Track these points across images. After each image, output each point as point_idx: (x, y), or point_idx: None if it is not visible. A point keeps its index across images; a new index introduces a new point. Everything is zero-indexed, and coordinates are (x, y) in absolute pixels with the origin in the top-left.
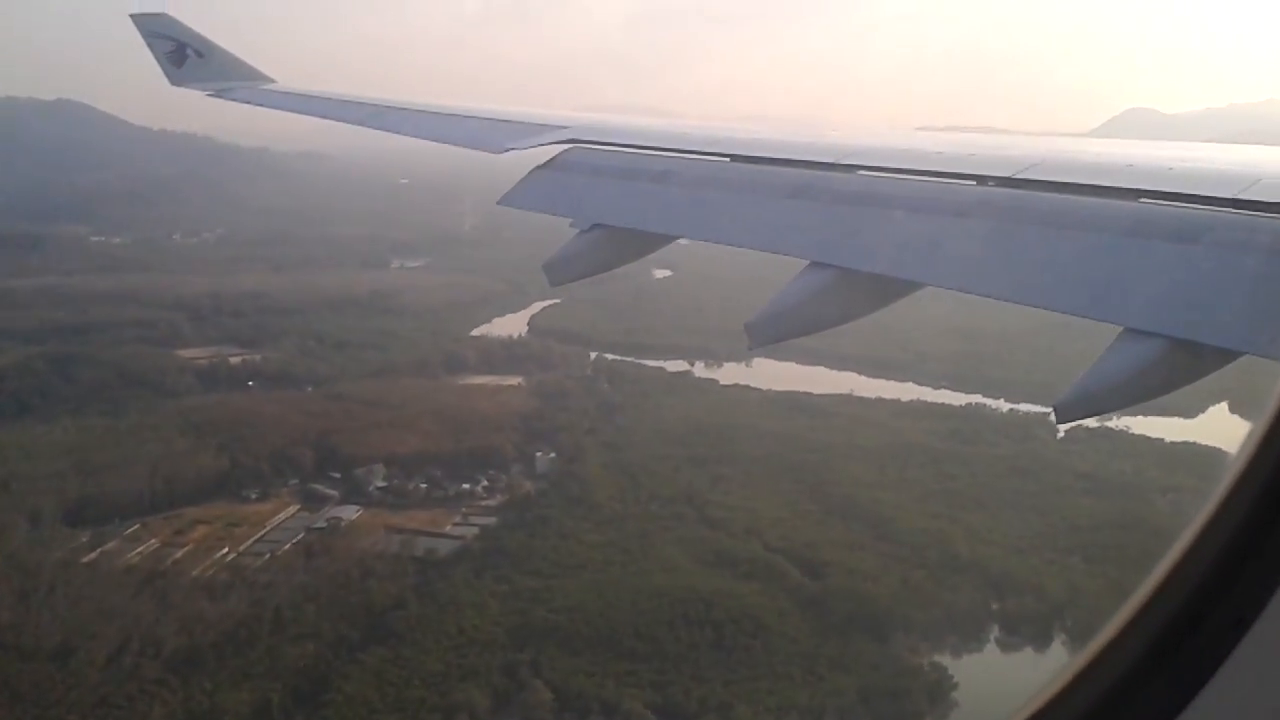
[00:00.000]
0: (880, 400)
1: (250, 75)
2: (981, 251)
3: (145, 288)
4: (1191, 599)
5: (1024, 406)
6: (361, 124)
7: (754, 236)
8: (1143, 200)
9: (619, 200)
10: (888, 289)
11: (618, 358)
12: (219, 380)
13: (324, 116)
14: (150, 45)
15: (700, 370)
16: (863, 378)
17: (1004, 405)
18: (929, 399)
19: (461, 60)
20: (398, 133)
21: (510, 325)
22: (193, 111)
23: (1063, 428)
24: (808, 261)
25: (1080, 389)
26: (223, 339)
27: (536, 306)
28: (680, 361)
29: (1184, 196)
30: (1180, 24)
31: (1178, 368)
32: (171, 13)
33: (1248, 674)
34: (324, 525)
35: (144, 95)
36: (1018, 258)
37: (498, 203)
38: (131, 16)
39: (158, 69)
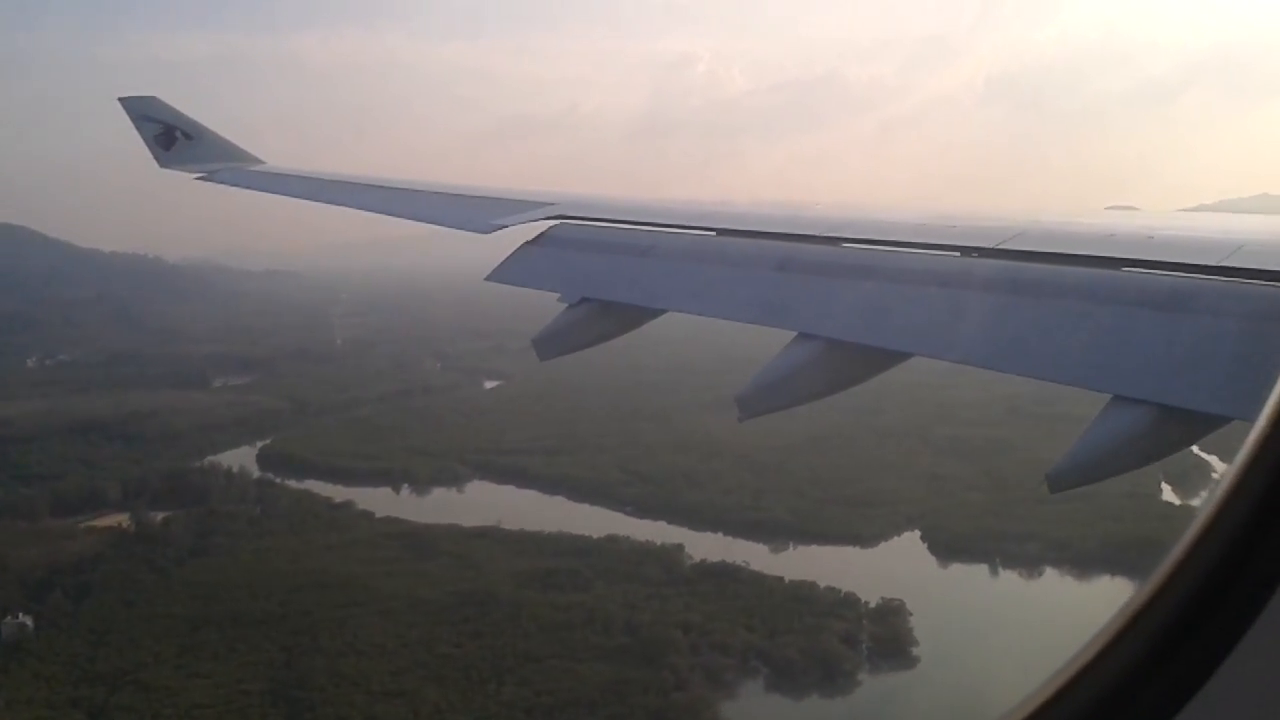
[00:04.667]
0: (522, 533)
1: (238, 156)
2: (966, 321)
3: None
4: (1188, 603)
5: (694, 533)
6: (345, 205)
7: (740, 309)
8: (1125, 269)
9: (606, 274)
10: (875, 359)
11: (317, 484)
12: None
13: (307, 197)
14: (139, 128)
15: (403, 495)
16: (569, 502)
17: (655, 535)
18: (579, 530)
19: (464, 173)
20: (383, 213)
21: (249, 452)
22: (164, 234)
23: (695, 556)
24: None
25: (1071, 458)
26: None
27: (315, 425)
28: (385, 488)
29: (1167, 265)
30: (1168, 122)
31: (1167, 434)
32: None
33: (1242, 680)
34: None
35: (108, 220)
36: (1002, 327)
37: (485, 279)
38: (120, 100)
39: (123, 191)
